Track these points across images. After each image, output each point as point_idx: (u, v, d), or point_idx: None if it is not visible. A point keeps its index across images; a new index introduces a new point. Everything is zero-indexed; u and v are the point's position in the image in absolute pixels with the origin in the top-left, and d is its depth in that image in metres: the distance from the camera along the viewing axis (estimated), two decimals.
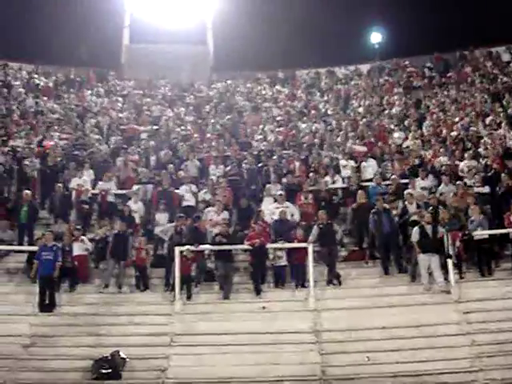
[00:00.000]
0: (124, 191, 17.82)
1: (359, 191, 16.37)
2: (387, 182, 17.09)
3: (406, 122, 22.18)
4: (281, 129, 22.65)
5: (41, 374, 12.43)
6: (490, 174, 16.47)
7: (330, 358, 12.74)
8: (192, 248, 14.56)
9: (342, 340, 13.10)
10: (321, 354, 12.81)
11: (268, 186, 17.33)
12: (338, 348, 12.96)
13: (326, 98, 27.22)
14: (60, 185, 17.61)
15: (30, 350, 13.11)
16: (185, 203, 17.17)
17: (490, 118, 20.66)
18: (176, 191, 17.44)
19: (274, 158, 19.17)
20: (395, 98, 25.30)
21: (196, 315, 14.04)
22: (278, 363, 12.67)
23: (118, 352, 12.57)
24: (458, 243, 14.39)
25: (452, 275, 13.87)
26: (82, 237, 15.44)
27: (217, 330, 13.41)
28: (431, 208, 15.05)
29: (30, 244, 15.74)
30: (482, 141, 18.66)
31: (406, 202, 15.58)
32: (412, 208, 15.36)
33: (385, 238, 14.87)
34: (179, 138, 21.70)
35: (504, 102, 22.16)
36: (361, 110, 24.68)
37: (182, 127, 23.00)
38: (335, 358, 12.73)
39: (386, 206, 15.33)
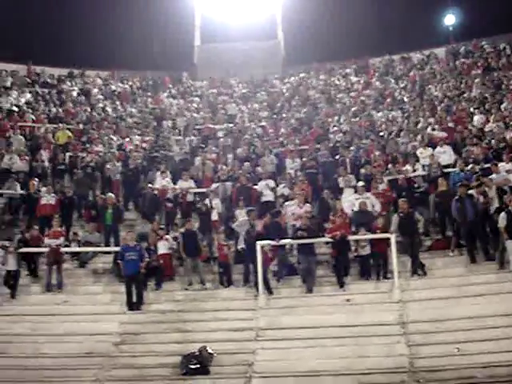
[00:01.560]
0: (203, 189, 18.09)
1: (440, 179, 15.95)
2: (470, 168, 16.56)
3: (486, 105, 21.43)
4: (356, 119, 22.38)
5: (131, 371, 12.75)
6: None
7: (417, 349, 12.46)
8: (273, 243, 14.60)
9: (429, 331, 12.79)
10: (408, 345, 12.54)
11: (345, 177, 17.18)
12: (425, 339, 12.65)
13: (401, 84, 26.69)
14: (150, 185, 18.07)
15: (121, 347, 13.45)
16: (264, 199, 17.25)
17: None
18: (254, 187, 17.55)
19: (352, 148, 18.97)
20: (473, 80, 24.49)
21: (280, 309, 14.06)
22: (365, 356, 12.49)
23: (206, 347, 12.74)
24: None
25: None
26: (167, 236, 15.79)
27: (301, 324, 13.38)
28: None
29: (116, 245, 16.20)
30: None
31: (486, 188, 15.03)
32: (491, 193, 14.79)
33: (469, 226, 14.42)
34: (255, 134, 21.83)
35: None
36: (438, 94, 24.04)
37: (257, 123, 23.13)
38: (423, 350, 12.44)
39: (470, 192, 14.86)
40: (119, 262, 14.93)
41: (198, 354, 12.74)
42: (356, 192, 16.27)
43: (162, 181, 18.36)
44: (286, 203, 16.48)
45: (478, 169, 16.22)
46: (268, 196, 17.32)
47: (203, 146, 21.40)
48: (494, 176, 15.55)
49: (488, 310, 12.81)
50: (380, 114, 22.69)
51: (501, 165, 16.11)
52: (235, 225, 15.98)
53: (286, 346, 12.96)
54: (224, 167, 19.13)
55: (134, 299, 14.48)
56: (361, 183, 16.45)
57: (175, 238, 15.86)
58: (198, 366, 12.59)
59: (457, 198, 14.70)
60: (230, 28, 33.41)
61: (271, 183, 17.65)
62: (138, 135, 22.78)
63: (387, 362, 12.28)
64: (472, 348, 12.13)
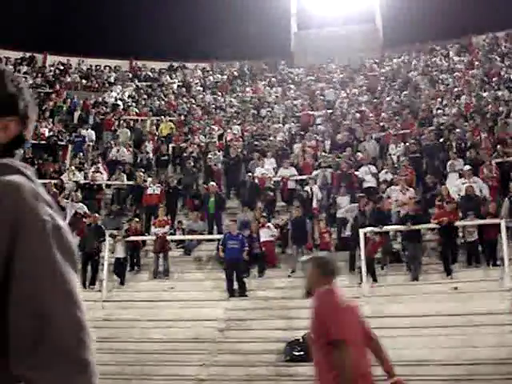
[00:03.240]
0: (304, 177, 18.04)
1: None
2: None
3: None
4: (461, 100, 21.55)
5: (237, 356, 12.93)
6: None
7: None
8: (376, 230, 14.35)
9: None
10: None
11: (451, 161, 16.60)
12: None
13: (507, 62, 25.41)
14: (250, 174, 18.26)
15: (225, 333, 13.69)
16: (366, 185, 16.98)
17: None
18: (356, 173, 17.31)
19: (457, 131, 18.29)
20: None
21: (385, 297, 13.81)
22: (474, 346, 12.02)
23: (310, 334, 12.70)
24: None
25: None
26: (268, 223, 15.88)
27: (407, 313, 13.07)
28: None
29: (219, 233, 16.46)
30: None
31: None
32: None
33: None
34: (355, 119, 21.51)
35: None
36: None
37: (357, 108, 22.77)
38: None
39: None
40: (220, 248, 15.18)
41: (301, 341, 12.74)
42: (461, 176, 15.67)
43: (261, 169, 18.48)
44: (389, 188, 16.13)
45: None
46: (370, 182, 17.03)
47: (302, 133, 21.32)
48: None
49: None
50: (486, 93, 21.72)
51: None
52: (343, 210, 15.80)
53: (392, 335, 12.66)
54: (324, 154, 18.98)
55: (235, 286, 14.68)
56: (467, 167, 15.83)
57: (277, 226, 15.92)
58: (302, 353, 12.59)
59: None
60: (325, 14, 33.05)
61: (373, 169, 17.34)
62: (238, 124, 23.02)
63: (498, 353, 11.76)
64: None
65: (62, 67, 30.65)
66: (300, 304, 13.96)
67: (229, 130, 22.33)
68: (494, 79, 23.24)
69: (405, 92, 23.52)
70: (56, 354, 1.48)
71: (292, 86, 27.58)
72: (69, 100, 26.11)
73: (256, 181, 18.07)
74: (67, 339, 1.49)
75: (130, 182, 18.97)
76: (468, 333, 12.33)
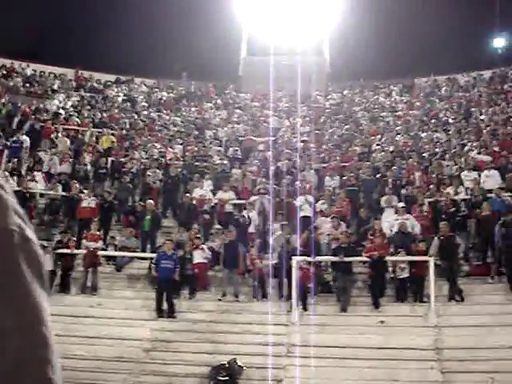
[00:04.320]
0: (242, 201, 18.09)
1: (484, 203, 15.65)
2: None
3: None
4: (400, 138, 22.16)
5: (161, 378, 12.78)
6: None
7: (451, 376, 12.21)
8: (310, 259, 14.50)
9: (464, 358, 12.51)
10: (442, 372, 12.29)
11: (386, 197, 17.00)
12: (459, 367, 12.39)
13: (446, 106, 26.35)
14: (188, 195, 18.18)
15: (151, 353, 13.51)
16: (302, 214, 17.14)
17: None
18: (293, 202, 17.48)
19: (394, 168, 18.77)
20: None
21: (313, 327, 13.91)
22: (397, 380, 12.28)
23: (236, 360, 12.69)
24: None
25: None
26: (203, 245, 15.82)
27: (334, 343, 13.23)
28: None
29: (153, 251, 16.28)
30: None
31: None
32: None
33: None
34: (296, 148, 21.77)
35: None
36: (484, 118, 23.66)
37: (299, 138, 23.06)
38: (457, 377, 12.19)
39: None
40: (153, 266, 15.02)
41: (227, 365, 12.69)
42: (396, 213, 16.07)
43: (200, 190, 18.44)
44: (320, 219, 16.37)
45: None
46: (306, 211, 17.21)
47: (244, 157, 21.43)
48: None
49: None
50: (424, 134, 22.42)
51: None
52: (273, 239, 15.93)
53: (317, 365, 12.80)
54: (263, 180, 19.11)
55: (165, 306, 14.52)
56: (401, 204, 16.24)
57: (211, 249, 15.89)
58: (227, 378, 12.54)
59: (501, 222, 14.38)
60: (275, 42, 33.49)
61: (310, 198, 17.55)
62: (180, 144, 22.95)
63: None
64: (507, 379, 11.79)
65: (4, 71, 29.91)
66: (228, 329, 13.97)
67: (170, 149, 22.22)
68: (432, 121, 24.03)
69: (346, 126, 24.01)
70: (16, 371, 1.42)
71: (237, 111, 27.75)
72: (10, 104, 25.45)
73: (194, 202, 18.00)
74: (29, 356, 1.44)
75: (64, 193, 18.56)
76: (392, 366, 12.57)
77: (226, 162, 21.13)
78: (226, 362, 12.74)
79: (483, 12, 33.38)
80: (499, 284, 14.51)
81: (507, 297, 14.10)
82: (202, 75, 32.37)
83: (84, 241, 16.18)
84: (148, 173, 19.63)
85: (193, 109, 28.32)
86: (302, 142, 22.50)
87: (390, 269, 14.59)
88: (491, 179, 17.26)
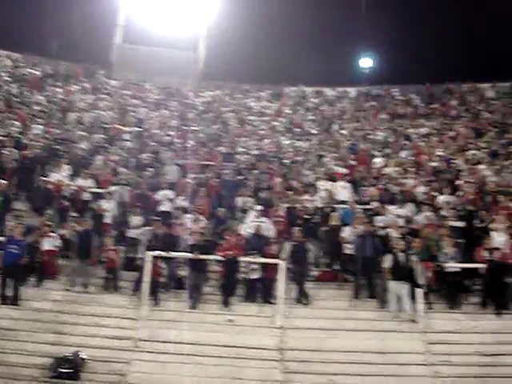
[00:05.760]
0: (101, 190, 17.66)
1: (332, 213, 16.44)
2: (366, 206, 17.20)
3: (388, 149, 22.34)
4: (264, 143, 22.68)
5: None
6: (466, 209, 16.65)
7: (292, 376, 12.67)
8: (164, 254, 14.48)
9: (306, 360, 13.03)
10: (283, 372, 12.74)
11: (246, 199, 17.36)
12: (301, 368, 12.88)
13: (311, 117, 27.33)
14: (43, 178, 17.42)
15: None
16: (161, 208, 17.07)
17: (472, 152, 20.93)
18: (153, 195, 17.35)
19: (256, 171, 19.19)
20: (380, 124, 25.51)
21: (162, 322, 13.88)
22: (240, 378, 12.58)
23: (79, 352, 12.41)
24: (429, 273, 14.46)
25: (420, 305, 13.91)
26: (52, 233, 15.24)
27: (182, 339, 13.26)
28: (405, 236, 15.13)
29: (1, 235, 15.47)
30: (462, 175, 18.90)
31: (389, 229, 15.62)
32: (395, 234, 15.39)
33: (365, 262, 14.85)
34: (162, 142, 21.64)
35: (486, 138, 22.53)
36: (345, 132, 24.82)
37: (166, 132, 22.94)
38: (298, 378, 12.66)
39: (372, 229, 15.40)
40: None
41: (70, 358, 12.38)
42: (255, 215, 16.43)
43: (57, 175, 17.77)
44: (184, 216, 16.39)
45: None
46: (166, 206, 17.15)
47: (107, 145, 20.94)
48: (381, 218, 16.20)
49: (365, 345, 13.22)
50: (287, 142, 23.11)
51: (391, 208, 16.78)
52: (138, 232, 15.69)
53: (163, 360, 12.81)
54: (125, 171, 18.80)
55: (10, 293, 13.87)
56: (259, 207, 16.63)
57: (62, 236, 15.36)
58: (69, 370, 12.24)
59: (360, 234, 15.17)
60: (153, 32, 33.03)
61: (170, 194, 17.50)
62: (42, 124, 21.96)
63: None
64: (344, 381, 12.46)
65: None
66: (75, 320, 13.59)
67: (30, 128, 21.21)
68: (296, 130, 24.82)
69: (214, 125, 24.20)
70: None
71: (105, 97, 27.05)
72: None
73: (50, 186, 17.31)
74: None
75: None
76: (236, 365, 12.83)
77: (88, 148, 20.54)
78: (69, 354, 12.42)
79: (354, 32, 34.96)
80: (344, 290, 15.24)
81: (350, 303, 14.84)
82: (72, 56, 31.22)
83: None
84: (3, 151, 18.62)
85: (58, 89, 27.22)
86: (168, 136, 22.43)
87: (243, 269, 14.88)
88: (345, 191, 18.16)
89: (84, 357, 12.42)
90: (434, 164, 20.30)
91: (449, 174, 19.32)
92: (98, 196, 17.36)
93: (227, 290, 14.63)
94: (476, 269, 14.64)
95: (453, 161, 20.33)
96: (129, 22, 33.80)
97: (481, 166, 19.65)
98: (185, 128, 24.03)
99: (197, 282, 14.52)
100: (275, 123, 25.57)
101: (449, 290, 14.59)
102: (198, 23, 33.74)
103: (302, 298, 14.76)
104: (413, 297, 13.98)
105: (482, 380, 12.47)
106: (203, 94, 29.61)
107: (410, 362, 12.96)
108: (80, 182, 17.72)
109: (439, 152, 21.34)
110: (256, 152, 21.59)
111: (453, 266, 14.52)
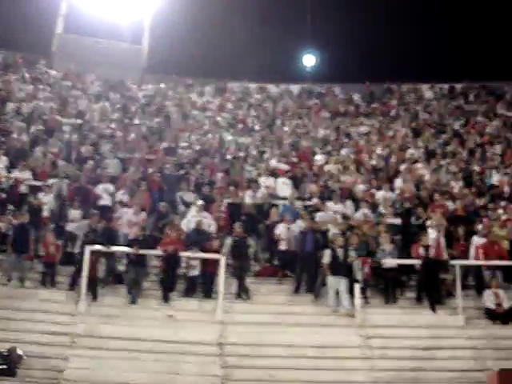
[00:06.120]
0: (38, 183, 17.27)
1: (272, 209, 16.58)
2: (307, 203, 17.41)
3: (328, 147, 22.65)
4: (207, 138, 22.63)
5: None
6: (403, 207, 17.08)
7: (231, 371, 12.74)
8: (104, 249, 14.31)
9: (245, 354, 13.12)
10: (223, 367, 12.79)
11: (187, 194, 17.32)
12: (240, 362, 12.97)
13: (254, 113, 27.40)
14: None
15: None
16: (101, 202, 16.84)
17: (410, 151, 21.45)
18: (93, 189, 17.09)
19: (198, 167, 19.14)
20: (321, 121, 25.81)
21: (100, 318, 13.73)
22: (179, 373, 12.56)
23: (16, 348, 12.16)
24: (366, 269, 14.77)
25: (358, 300, 14.20)
26: None
27: (120, 335, 13.15)
28: (344, 232, 15.41)
29: None
30: (400, 173, 19.36)
31: (330, 225, 15.85)
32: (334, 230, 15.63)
33: (305, 257, 15.03)
34: (103, 134, 21.31)
35: (424, 138, 23.12)
36: (287, 129, 25.00)
37: (107, 124, 22.59)
38: (237, 373, 12.74)
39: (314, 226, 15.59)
40: None
41: (6, 354, 12.12)
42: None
43: None
44: (123, 210, 16.23)
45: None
46: (106, 200, 16.93)
47: (46, 137, 20.46)
48: (320, 214, 16.44)
49: (303, 340, 13.42)
50: (230, 137, 23.12)
51: (330, 204, 17.06)
52: (76, 226, 15.42)
53: (101, 356, 12.68)
54: (65, 163, 18.44)
55: None
56: (200, 202, 16.59)
57: None
58: (5, 366, 11.97)
59: (302, 230, 15.36)
60: (96, 23, 32.42)
61: (111, 188, 17.27)
62: None
63: (200, 382, 12.45)
64: (284, 375, 12.61)
65: None
66: (11, 315, 13.29)
67: None
68: (239, 125, 24.85)
69: (157, 119, 24.00)
70: None
71: (45, 87, 26.40)
72: None
73: None
74: None
75: None
76: (176, 360, 12.81)
77: (26, 139, 20.04)
78: (4, 350, 12.15)
79: (298, 29, 35.22)
80: (284, 285, 15.42)
81: (290, 298, 15.04)
82: (12, 45, 30.34)
83: None
84: None
85: None
86: (110, 128, 22.11)
87: (183, 264, 14.85)
88: (286, 187, 18.34)
89: (20, 353, 12.17)
90: (373, 162, 20.71)
91: (387, 172, 19.76)
92: (35, 189, 16.97)
93: (167, 285, 14.57)
94: (412, 265, 15.06)
95: (391, 159, 20.78)
96: (71, 12, 33.07)
97: (418, 165, 20.17)
98: (127, 121, 23.73)
99: (136, 277, 14.41)
100: (218, 118, 25.52)
101: (386, 286, 14.94)
102: (142, 15, 33.32)
103: (243, 293, 14.84)
104: (351, 292, 14.26)
105: (417, 373, 12.84)
106: (146, 87, 29.28)
107: (348, 356, 13.22)
108: (17, 174, 17.28)
109: (379, 150, 21.77)
110: (198, 147, 21.50)
111: (390, 262, 14.88)
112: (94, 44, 31.06)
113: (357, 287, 14.22)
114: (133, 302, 14.26)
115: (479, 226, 15.74)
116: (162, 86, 29.26)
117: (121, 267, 14.95)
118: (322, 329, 13.81)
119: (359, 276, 14.39)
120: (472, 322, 14.25)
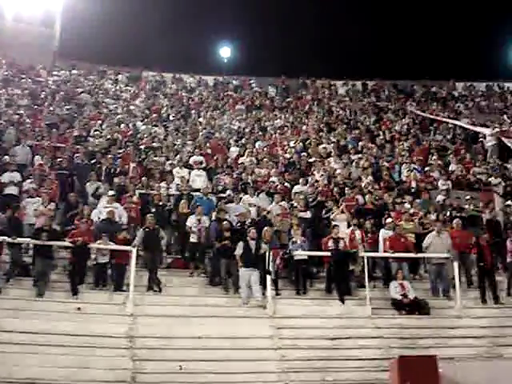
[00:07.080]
0: None
1: (182, 201, 16.48)
2: (220, 195, 17.41)
3: (243, 139, 22.73)
4: (120, 127, 22.19)
5: None
6: (314, 200, 17.39)
7: (142, 364, 12.54)
8: (9, 240, 13.77)
9: (156, 347, 12.95)
10: (133, 360, 12.57)
11: (98, 184, 16.94)
12: (151, 355, 12.78)
13: (169, 103, 27.13)
14: None
15: None
16: (6, 191, 16.19)
17: (322, 146, 21.84)
18: None
19: (109, 156, 18.70)
20: (237, 114, 25.88)
21: (5, 311, 13.14)
22: (88, 367, 12.22)
23: None
24: (278, 261, 14.94)
25: (269, 291, 14.33)
26: None
27: (26, 329, 12.65)
28: (257, 225, 15.51)
29: None
30: (313, 167, 19.69)
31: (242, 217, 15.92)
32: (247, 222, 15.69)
33: (219, 250, 15.02)
34: (10, 121, 20.48)
35: (336, 133, 23.62)
36: (202, 120, 24.91)
37: (15, 110, 21.73)
38: (148, 365, 12.55)
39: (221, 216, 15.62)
40: None
41: None
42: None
43: None
44: (29, 200, 15.69)
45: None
46: (11, 189, 16.29)
47: None
48: (232, 205, 16.51)
49: (214, 331, 13.38)
50: (144, 127, 22.78)
51: (245, 197, 17.13)
52: None
53: (7, 351, 12.16)
54: None
55: None
56: (111, 192, 16.25)
57: None
58: None
59: (214, 219, 15.39)
60: (5, 5, 31.13)
61: (17, 176, 16.64)
62: None
63: (109, 375, 12.17)
64: (195, 367, 12.55)
65: None
66: None
67: None
68: (153, 115, 24.53)
69: (67, 106, 23.30)
70: None
71: None
72: None
73: None
74: None
75: None
76: (84, 354, 12.49)
77: None
78: None
79: (215, 21, 35.17)
80: (196, 277, 15.37)
81: (201, 290, 15.00)
82: None
83: None
84: None
85: None
86: (18, 115, 21.29)
87: (93, 256, 14.51)
88: (200, 178, 18.26)
89: None
90: (287, 155, 20.95)
91: (301, 165, 20.04)
92: None
93: (76, 278, 14.19)
94: (322, 257, 15.36)
95: (305, 153, 21.08)
96: None
97: (330, 159, 20.57)
98: (36, 107, 22.91)
99: (43, 269, 13.94)
100: (132, 107, 25.09)
101: (296, 277, 15.17)
102: None
103: (154, 285, 14.66)
104: (262, 283, 14.38)
105: (326, 362, 13.09)
106: (57, 72, 28.38)
107: (259, 347, 13.30)
108: None
109: (292, 144, 22.05)
110: (110, 136, 21.03)
111: (301, 253, 15.11)
112: (2, 27, 29.88)
113: (268, 279, 14.35)
114: (40, 294, 13.79)
115: (387, 220, 16.21)
116: (74, 72, 28.47)
117: (27, 259, 14.44)
118: (233, 320, 13.83)
119: (271, 268, 14.51)
120: (379, 312, 14.64)
